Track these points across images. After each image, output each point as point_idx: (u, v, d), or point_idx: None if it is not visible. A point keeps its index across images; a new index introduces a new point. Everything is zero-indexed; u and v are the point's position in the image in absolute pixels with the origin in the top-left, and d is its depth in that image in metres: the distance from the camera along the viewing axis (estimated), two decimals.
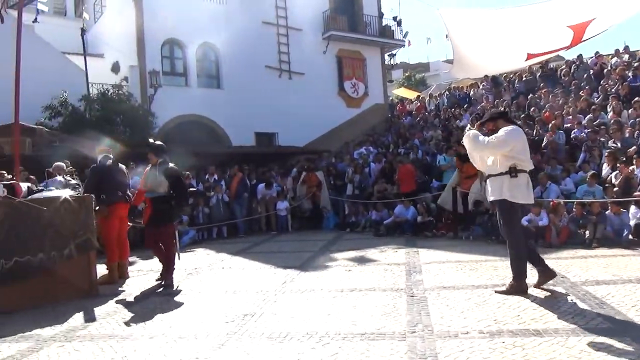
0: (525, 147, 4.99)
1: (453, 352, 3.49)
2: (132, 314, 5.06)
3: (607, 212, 8.08)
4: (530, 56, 10.97)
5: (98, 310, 5.28)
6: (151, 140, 6.89)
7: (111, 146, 7.56)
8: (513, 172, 4.86)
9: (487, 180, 5.20)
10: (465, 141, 5.24)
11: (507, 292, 4.96)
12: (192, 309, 5.13)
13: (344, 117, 20.22)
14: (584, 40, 10.16)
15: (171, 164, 6.52)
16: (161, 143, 6.83)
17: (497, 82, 18.36)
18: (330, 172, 14.37)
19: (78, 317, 5.02)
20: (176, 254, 6.75)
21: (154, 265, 7.93)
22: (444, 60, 42.50)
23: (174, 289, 6.17)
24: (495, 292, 5.06)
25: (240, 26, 17.54)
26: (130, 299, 5.78)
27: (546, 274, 5.06)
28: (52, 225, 5.68)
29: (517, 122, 5.34)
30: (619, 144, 10.00)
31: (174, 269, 6.52)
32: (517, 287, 4.97)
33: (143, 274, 7.42)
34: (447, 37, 10.72)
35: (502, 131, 4.93)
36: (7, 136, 8.03)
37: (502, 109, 13.55)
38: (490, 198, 5.20)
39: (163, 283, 6.34)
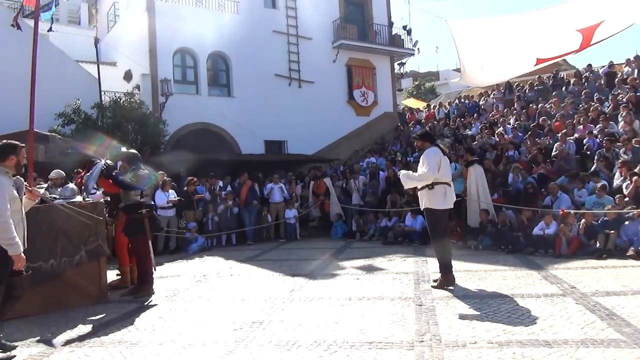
0: (440, 163, 5.96)
1: None
2: (141, 320, 5.10)
3: (627, 222, 7.96)
4: (539, 61, 10.95)
5: (108, 316, 5.33)
6: (123, 149, 6.88)
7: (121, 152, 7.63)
8: (430, 185, 5.94)
9: (418, 194, 6.28)
10: (402, 180, 6.32)
11: (439, 287, 5.84)
12: (201, 316, 5.15)
13: (353, 126, 20.25)
14: (593, 44, 10.16)
15: (143, 171, 6.42)
16: (135, 152, 6.83)
17: (512, 89, 18.29)
18: (346, 175, 14.32)
19: (88, 323, 5.08)
20: (153, 266, 6.53)
21: (164, 271, 8.00)
22: (453, 69, 42.49)
23: (148, 301, 5.99)
24: (432, 287, 5.92)
25: (250, 35, 17.72)
26: (140, 304, 5.82)
27: (449, 280, 5.93)
28: (64, 232, 5.76)
29: (437, 143, 6.44)
30: (629, 154, 9.91)
31: (152, 281, 6.38)
32: (446, 280, 5.89)
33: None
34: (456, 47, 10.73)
35: (423, 157, 6.06)
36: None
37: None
38: (421, 207, 6.23)
39: (135, 295, 6.19)
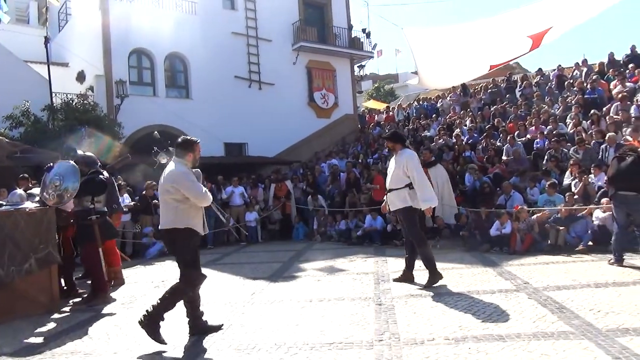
0: None
1: (419, 359, 3.55)
2: (95, 329, 4.93)
3: (577, 216, 8.30)
4: (492, 67, 11.43)
5: (60, 326, 5.13)
6: (80, 152, 6.71)
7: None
8: (410, 185, 5.99)
9: (388, 194, 6.24)
10: (425, 194, 6.03)
11: (427, 286, 5.87)
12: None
13: (314, 128, 20.29)
14: (541, 46, 10.70)
15: (102, 175, 6.31)
16: (91, 154, 6.66)
17: (466, 91, 18.78)
18: (308, 178, 14.25)
19: (39, 333, 4.87)
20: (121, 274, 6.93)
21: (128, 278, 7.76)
22: (412, 72, 43.26)
23: (103, 309, 5.79)
24: (394, 279, 6.27)
25: (209, 36, 17.50)
26: (95, 313, 5.63)
27: (408, 277, 6.25)
28: (11, 239, 5.49)
29: (408, 145, 6.55)
30: (580, 154, 10.33)
31: (107, 288, 6.27)
32: (435, 278, 5.93)
33: (111, 286, 7.23)
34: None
35: (407, 160, 6.02)
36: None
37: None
38: (393, 208, 6.20)
39: (88, 303, 6.01)
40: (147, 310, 4.24)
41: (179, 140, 4.62)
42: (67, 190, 5.84)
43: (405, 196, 6.03)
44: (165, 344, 4.18)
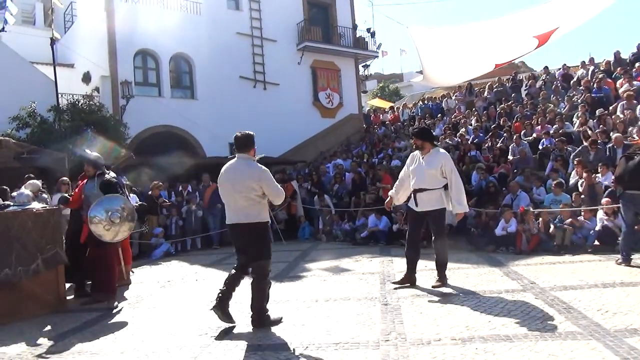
0: None
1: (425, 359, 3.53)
2: (102, 329, 4.95)
3: (579, 218, 8.28)
4: (497, 66, 11.38)
5: (66, 326, 5.14)
6: (87, 151, 6.73)
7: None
8: (446, 187, 5.82)
9: (418, 194, 5.89)
10: (461, 199, 5.89)
11: (435, 287, 5.81)
12: (165, 322, 5.05)
13: (319, 128, 20.32)
14: (546, 44, 10.64)
15: (109, 175, 6.36)
16: (98, 155, 6.68)
17: (471, 91, 18.75)
18: (313, 178, 14.26)
19: (45, 333, 4.89)
20: (129, 274, 7.09)
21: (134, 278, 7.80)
22: (417, 71, 43.11)
23: (115, 309, 5.80)
24: (395, 284, 6.04)
25: (214, 37, 17.55)
26: (101, 313, 5.65)
27: (410, 279, 6.08)
28: (18, 240, 5.52)
29: (436, 143, 6.25)
30: (592, 155, 10.21)
31: (116, 289, 6.31)
32: (444, 280, 5.90)
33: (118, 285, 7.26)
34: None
35: (445, 161, 5.82)
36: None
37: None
38: (426, 208, 5.87)
39: (96, 301, 6.03)
40: (251, 316, 4.64)
41: (240, 136, 4.67)
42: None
43: (441, 197, 5.83)
44: (282, 320, 4.71)
